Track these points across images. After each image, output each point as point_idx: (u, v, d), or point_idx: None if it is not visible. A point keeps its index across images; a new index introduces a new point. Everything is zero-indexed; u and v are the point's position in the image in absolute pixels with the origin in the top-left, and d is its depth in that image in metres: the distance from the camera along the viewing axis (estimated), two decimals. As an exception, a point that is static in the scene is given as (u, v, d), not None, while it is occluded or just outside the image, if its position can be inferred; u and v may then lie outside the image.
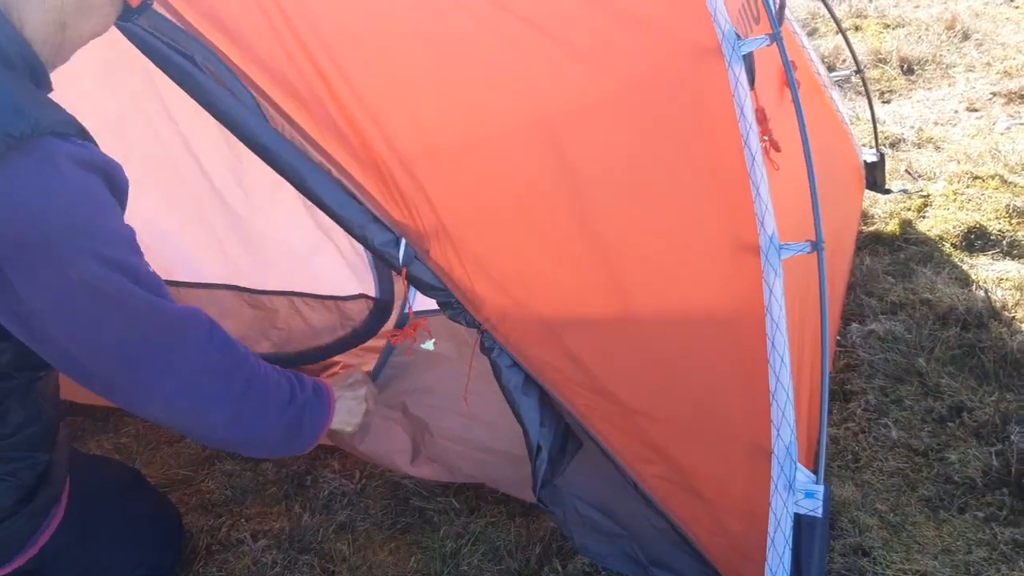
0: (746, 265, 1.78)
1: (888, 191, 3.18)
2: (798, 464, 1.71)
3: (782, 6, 2.20)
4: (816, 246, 1.77)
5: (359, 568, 1.92)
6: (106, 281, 1.28)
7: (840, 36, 5.01)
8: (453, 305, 1.56)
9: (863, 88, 4.27)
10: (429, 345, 1.69)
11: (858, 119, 3.89)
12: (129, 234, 1.36)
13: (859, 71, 2.85)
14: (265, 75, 1.45)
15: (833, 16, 2.95)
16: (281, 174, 1.49)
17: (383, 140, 1.49)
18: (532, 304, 1.61)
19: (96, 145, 1.36)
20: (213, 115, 1.47)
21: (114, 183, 1.35)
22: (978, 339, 2.40)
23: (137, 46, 1.47)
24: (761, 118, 1.97)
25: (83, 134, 1.33)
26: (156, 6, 1.47)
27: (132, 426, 2.38)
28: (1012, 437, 2.07)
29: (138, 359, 1.32)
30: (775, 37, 1.84)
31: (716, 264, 1.79)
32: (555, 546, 1.93)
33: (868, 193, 3.20)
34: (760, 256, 1.79)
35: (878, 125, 3.79)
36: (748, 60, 1.90)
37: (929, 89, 4.26)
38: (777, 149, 2.00)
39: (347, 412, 1.71)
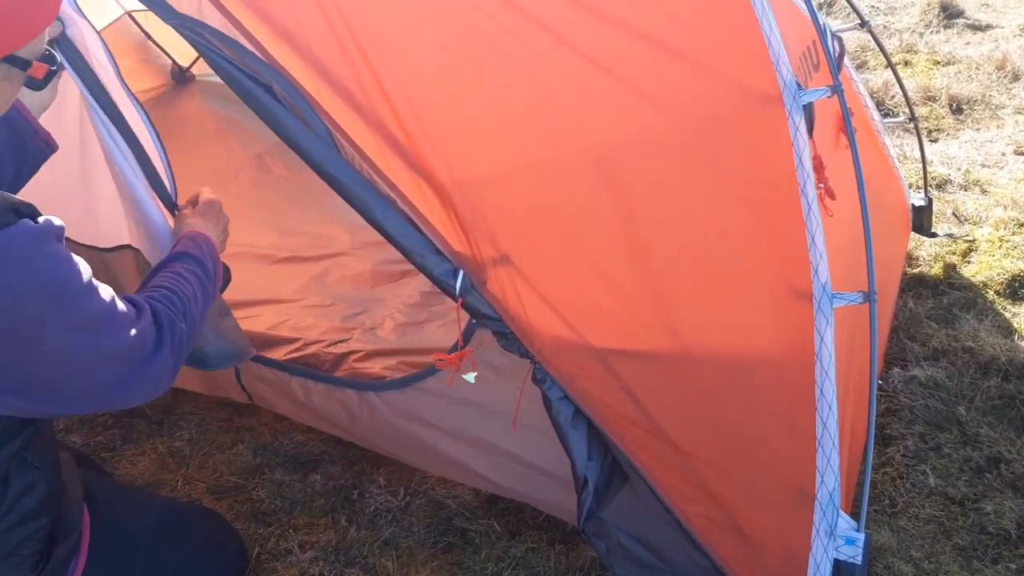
0: (798, 311, 1.77)
1: (934, 235, 3.16)
2: (840, 510, 1.74)
3: (841, 54, 2.23)
4: (868, 297, 1.80)
5: (402, 584, 1.96)
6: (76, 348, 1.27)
7: (890, 70, 5.02)
8: (507, 335, 1.58)
9: (913, 128, 4.31)
10: (470, 377, 1.71)
11: (906, 157, 3.86)
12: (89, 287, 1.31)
13: (913, 119, 2.85)
14: (338, 99, 1.49)
15: (886, 55, 2.94)
16: (349, 202, 1.53)
17: (446, 168, 1.52)
18: (585, 336, 1.62)
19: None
20: (288, 144, 1.51)
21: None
22: (1019, 390, 2.37)
23: (220, 76, 1.52)
24: (818, 166, 1.98)
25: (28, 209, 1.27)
26: (239, 37, 1.54)
27: (186, 430, 2.42)
28: (1049, 491, 2.07)
29: (99, 397, 1.34)
30: (836, 89, 1.86)
31: (767, 308, 1.79)
32: (594, 574, 1.95)
33: (914, 235, 3.17)
34: (812, 303, 1.81)
35: (927, 165, 3.81)
36: (808, 109, 1.91)
37: (977, 130, 4.22)
38: (832, 197, 2.01)
39: (221, 236, 1.86)
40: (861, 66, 5.14)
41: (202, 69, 3.81)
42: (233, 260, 2.86)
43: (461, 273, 1.53)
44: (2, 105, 1.31)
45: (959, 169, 3.78)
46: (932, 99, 4.51)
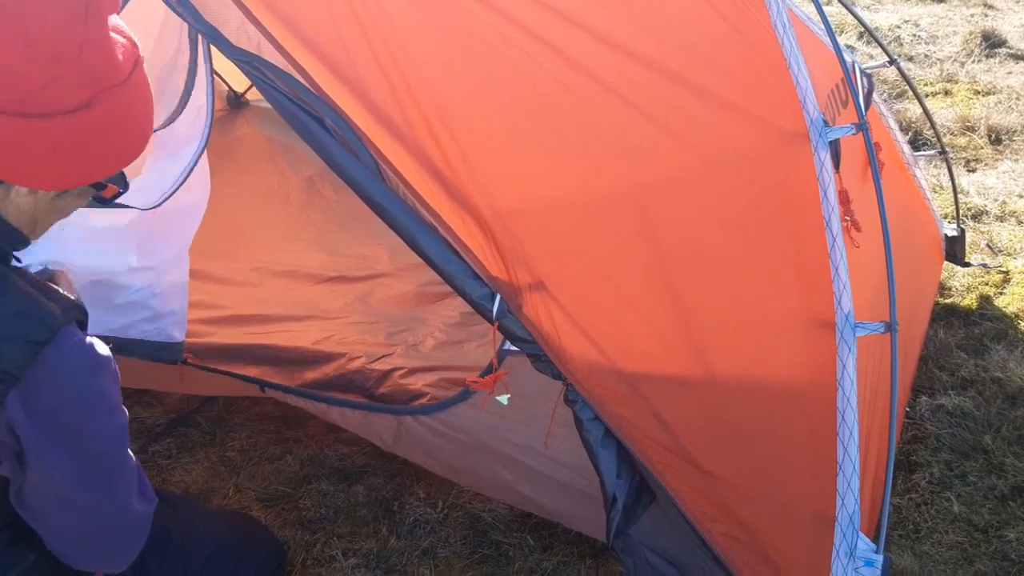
0: (821, 340, 1.82)
1: (967, 264, 3.17)
2: (860, 533, 1.78)
3: (870, 91, 2.29)
4: (890, 327, 1.85)
5: (439, 593, 2.03)
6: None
7: (928, 101, 5.04)
8: (541, 358, 1.62)
9: (950, 156, 4.32)
10: (504, 399, 1.76)
11: (942, 188, 3.83)
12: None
13: (943, 151, 2.90)
14: (385, 132, 1.56)
15: (915, 91, 2.99)
16: (393, 228, 1.59)
17: (486, 199, 1.59)
18: (615, 361, 1.67)
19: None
20: (337, 173, 1.58)
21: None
22: None
23: (276, 109, 1.60)
24: (844, 199, 2.03)
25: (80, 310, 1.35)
26: (294, 72, 1.64)
27: (237, 441, 2.51)
28: (1072, 521, 2.08)
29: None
30: (861, 127, 1.91)
31: (792, 337, 1.84)
32: None
33: (947, 265, 3.19)
34: (835, 333, 1.87)
35: (961, 195, 3.82)
36: (835, 144, 1.96)
37: (1016, 160, 4.20)
38: (858, 229, 2.04)
39: None
40: (901, 95, 5.13)
41: (256, 95, 3.93)
42: (283, 278, 3.01)
43: (498, 297, 1.58)
44: (55, 221, 1.38)
45: (995, 200, 3.78)
46: (971, 129, 4.49)
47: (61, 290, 1.34)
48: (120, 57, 1.24)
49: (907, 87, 5.27)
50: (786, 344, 1.85)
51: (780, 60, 2.00)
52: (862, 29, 6.10)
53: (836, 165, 1.99)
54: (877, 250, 1.98)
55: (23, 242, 1.32)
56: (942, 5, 6.81)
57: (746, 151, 1.91)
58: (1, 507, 1.38)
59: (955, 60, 5.60)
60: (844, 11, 6.60)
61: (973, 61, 5.55)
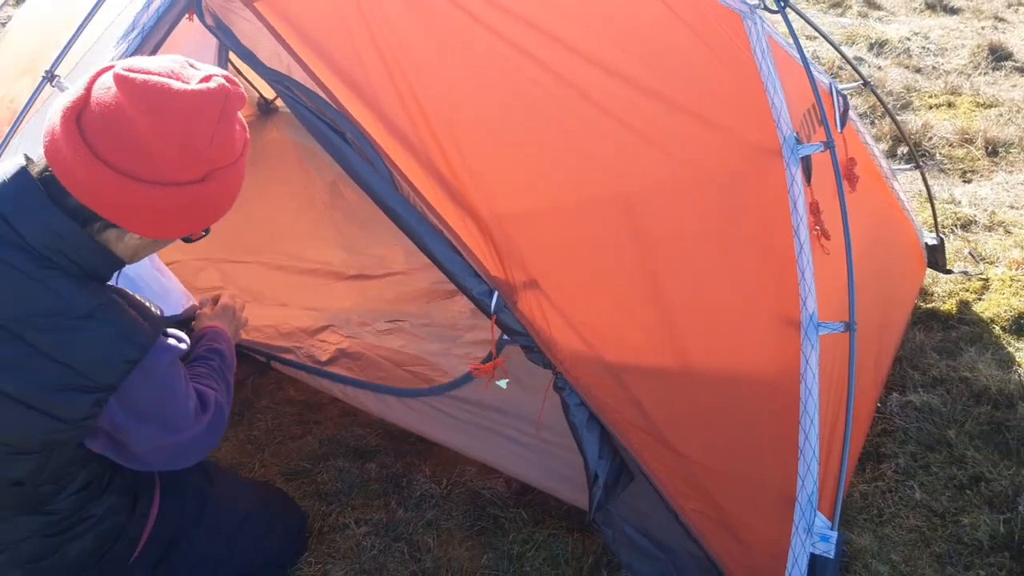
0: (789, 337, 1.98)
1: (949, 271, 3.31)
2: (818, 512, 1.93)
3: (846, 110, 2.47)
4: (848, 327, 2.03)
5: (441, 559, 2.18)
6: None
7: (931, 113, 5.17)
8: (533, 349, 1.78)
9: (947, 167, 4.47)
10: (503, 384, 1.91)
11: (935, 198, 3.97)
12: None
13: (918, 166, 3.06)
14: (399, 144, 1.72)
15: (884, 106, 3.15)
16: (403, 230, 1.76)
17: (486, 204, 1.74)
18: (602, 352, 1.82)
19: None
20: (355, 180, 1.75)
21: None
22: (1007, 418, 2.53)
23: (302, 123, 1.76)
24: (814, 210, 2.19)
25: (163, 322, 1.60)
26: (319, 90, 1.82)
27: (263, 421, 2.70)
28: (1020, 508, 2.22)
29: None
30: (828, 145, 2.08)
31: (763, 334, 2.00)
32: (605, 559, 2.16)
33: (932, 272, 3.33)
34: (800, 331, 2.06)
35: (953, 205, 3.97)
36: (806, 160, 2.12)
37: (1010, 172, 4.29)
38: (827, 238, 2.20)
39: (235, 329, 2.06)
40: (905, 107, 5.24)
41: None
42: (309, 276, 3.22)
43: (496, 294, 1.74)
44: (157, 250, 1.63)
45: (986, 210, 3.89)
46: (969, 141, 4.58)
47: (147, 303, 1.59)
48: (236, 144, 1.47)
49: (911, 99, 5.41)
50: (757, 340, 2.00)
51: (758, 83, 2.17)
52: (873, 40, 6.22)
53: (808, 179, 2.16)
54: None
55: (121, 266, 1.57)
56: (954, 17, 6.88)
57: (725, 164, 2.07)
58: (86, 467, 1.63)
59: (961, 72, 5.69)
60: (856, 22, 6.75)
61: (979, 74, 5.63)
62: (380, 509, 2.38)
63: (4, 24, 3.04)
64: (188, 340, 1.67)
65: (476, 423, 2.28)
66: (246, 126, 1.53)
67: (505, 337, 1.86)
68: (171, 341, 1.60)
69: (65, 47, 1.86)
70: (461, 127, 1.79)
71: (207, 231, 1.61)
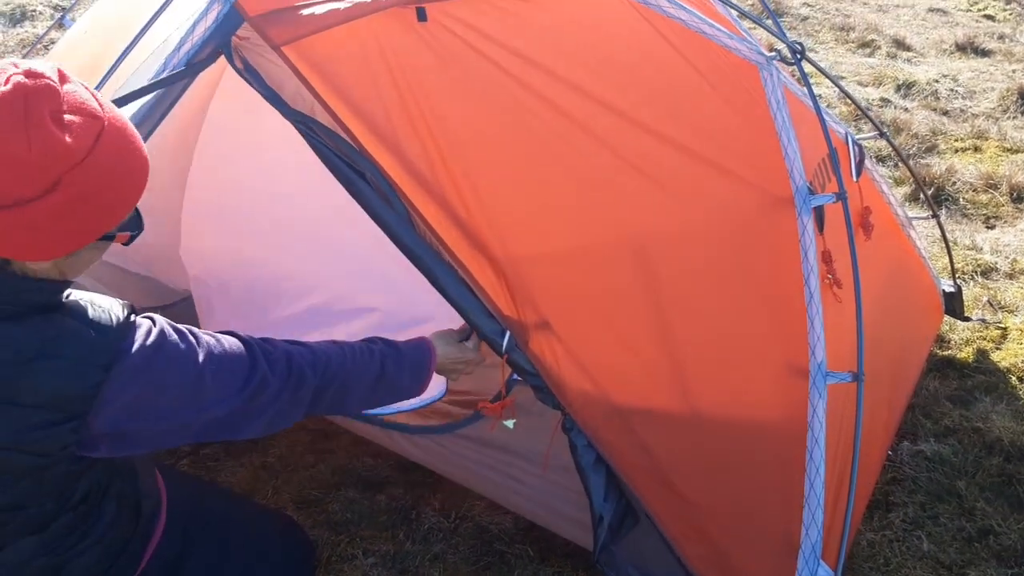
0: (797, 386, 1.98)
1: (967, 319, 3.28)
2: (821, 561, 1.90)
3: (861, 159, 2.49)
4: (856, 377, 2.04)
5: (446, 594, 2.21)
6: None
7: (956, 157, 5.16)
8: (543, 389, 1.79)
9: (970, 212, 4.45)
10: (510, 424, 1.92)
11: (956, 244, 3.91)
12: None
13: (935, 215, 3.07)
14: (416, 185, 1.75)
15: (900, 155, 3.16)
16: (419, 269, 1.77)
17: (500, 246, 1.76)
18: (610, 395, 1.83)
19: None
20: (373, 219, 1.77)
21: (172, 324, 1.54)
22: (1017, 471, 2.51)
23: (324, 163, 1.79)
24: (827, 259, 2.20)
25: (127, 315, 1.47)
26: (340, 132, 1.86)
27: (277, 449, 2.72)
28: (1029, 563, 2.20)
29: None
30: (840, 196, 2.09)
31: (771, 381, 2.00)
32: None
33: (949, 319, 3.30)
34: (809, 379, 2.07)
35: (975, 252, 3.96)
36: (818, 210, 2.13)
37: None
38: (840, 286, 2.21)
39: (449, 358, 1.90)
40: (930, 150, 5.22)
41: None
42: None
43: (508, 333, 1.76)
44: (84, 269, 1.48)
45: (1007, 257, 3.86)
46: (994, 186, 4.54)
47: (109, 305, 1.49)
48: (71, 140, 1.29)
49: (936, 141, 5.39)
50: (765, 387, 2.01)
51: (772, 132, 2.20)
52: (900, 82, 6.22)
53: (820, 228, 2.17)
54: (865, 305, 2.13)
55: (65, 285, 1.46)
56: (985, 59, 6.85)
57: (738, 212, 2.08)
58: (88, 474, 1.60)
59: (989, 116, 5.65)
60: (884, 63, 6.76)
61: (1007, 118, 5.60)
62: (388, 541, 2.39)
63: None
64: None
65: (482, 462, 2.29)
66: (96, 112, 1.35)
67: (515, 376, 1.87)
68: (140, 334, 1.47)
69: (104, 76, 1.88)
70: (478, 171, 1.82)
71: (138, 227, 1.50)
